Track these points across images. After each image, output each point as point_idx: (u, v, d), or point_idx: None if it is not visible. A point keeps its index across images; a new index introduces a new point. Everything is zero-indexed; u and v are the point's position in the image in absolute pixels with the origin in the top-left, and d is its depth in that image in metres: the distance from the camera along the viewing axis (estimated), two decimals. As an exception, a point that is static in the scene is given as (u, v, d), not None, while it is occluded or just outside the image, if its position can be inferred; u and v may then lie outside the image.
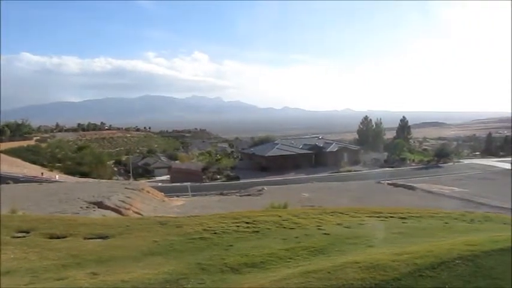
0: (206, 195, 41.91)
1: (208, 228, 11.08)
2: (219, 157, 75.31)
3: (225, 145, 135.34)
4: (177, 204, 33.53)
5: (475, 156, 79.25)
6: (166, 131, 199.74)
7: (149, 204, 29.28)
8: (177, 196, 39.65)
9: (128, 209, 24.63)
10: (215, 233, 10.58)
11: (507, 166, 56.68)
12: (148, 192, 33.19)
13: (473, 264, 5.73)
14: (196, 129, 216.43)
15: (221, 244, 9.50)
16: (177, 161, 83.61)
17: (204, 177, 57.50)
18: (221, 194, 42.16)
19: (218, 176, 59.00)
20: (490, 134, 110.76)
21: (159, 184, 53.29)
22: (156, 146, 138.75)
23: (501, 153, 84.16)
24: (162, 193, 37.15)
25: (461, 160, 68.57)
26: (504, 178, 47.38)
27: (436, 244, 7.39)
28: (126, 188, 31.39)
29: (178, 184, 49.76)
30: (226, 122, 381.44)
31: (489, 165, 60.48)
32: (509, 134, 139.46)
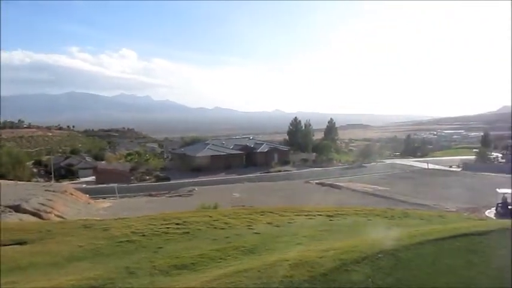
0: (134, 196, 40.78)
1: (136, 231, 10.81)
2: (148, 157, 73.47)
3: (155, 145, 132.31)
4: (103, 206, 32.36)
5: (396, 157, 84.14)
6: (92, 130, 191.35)
7: (73, 207, 28.02)
8: (103, 198, 38.23)
9: (49, 212, 23.42)
10: (144, 235, 10.34)
11: (424, 165, 60.97)
12: (71, 194, 31.78)
13: (394, 257, 6.09)
14: (124, 128, 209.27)
15: (150, 246, 9.30)
16: (103, 162, 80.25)
17: (132, 178, 55.79)
18: (150, 195, 41.21)
19: (147, 177, 57.52)
20: (409, 135, 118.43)
21: (84, 186, 50.85)
22: (80, 145, 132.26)
23: (418, 153, 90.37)
24: (87, 195, 35.69)
25: (383, 160, 72.32)
26: (421, 177, 50.91)
27: (360, 240, 7.76)
28: (46, 190, 29.81)
29: (104, 185, 47.82)
30: (156, 122, 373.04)
31: (408, 165, 64.51)
32: (426, 135, 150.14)
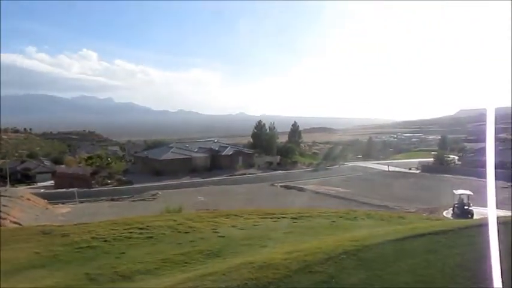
0: (95, 201, 39.75)
1: (97, 236, 10.55)
2: (110, 161, 71.54)
3: (117, 148, 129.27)
4: (63, 212, 31.43)
5: (358, 159, 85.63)
6: (51, 133, 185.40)
7: (30, 212, 27.05)
8: (63, 203, 37.08)
9: (5, 218, 22.49)
10: (105, 241, 10.10)
11: (385, 168, 62.56)
12: (28, 199, 30.70)
13: (356, 257, 6.21)
14: (84, 131, 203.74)
15: (112, 252, 9.10)
16: (62, 165, 77.64)
17: (93, 182, 54.23)
18: (112, 199, 40.28)
19: (109, 181, 56.05)
20: (370, 138, 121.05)
21: (42, 190, 49.08)
22: (38, 148, 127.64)
23: (380, 156, 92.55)
24: (45, 200, 34.60)
25: (346, 163, 73.53)
26: (382, 179, 52.23)
27: (324, 241, 7.87)
28: (1, 195, 28.66)
29: (64, 190, 46.31)
30: (118, 124, 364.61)
31: (370, 167, 65.99)
32: (386, 138, 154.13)
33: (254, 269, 5.78)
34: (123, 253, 8.86)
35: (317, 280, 5.41)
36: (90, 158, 75.13)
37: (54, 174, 63.15)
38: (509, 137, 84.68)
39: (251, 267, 5.87)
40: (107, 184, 54.52)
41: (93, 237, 10.44)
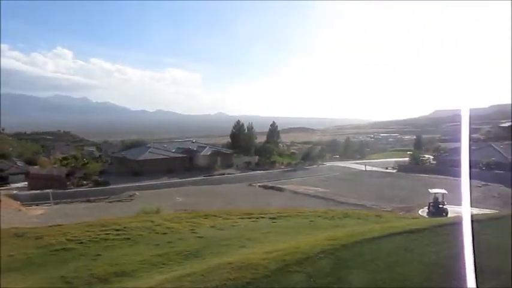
0: (71, 202, 39.05)
1: (73, 238, 10.37)
2: (86, 161, 70.35)
3: (93, 148, 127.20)
4: (37, 214, 30.75)
5: (336, 159, 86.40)
6: (24, 133, 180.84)
7: (2, 214, 26.36)
8: (37, 205, 36.27)
9: (-24, 221, 21.83)
10: (81, 243, 9.94)
11: (362, 168, 63.38)
12: (0, 201, 29.91)
13: (334, 257, 6.26)
14: (59, 131, 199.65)
15: (88, 254, 8.96)
16: (36, 166, 75.99)
17: (68, 183, 53.23)
18: (88, 201, 39.64)
19: (85, 182, 55.10)
20: (348, 138, 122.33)
21: (15, 192, 47.94)
22: (10, 149, 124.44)
23: (358, 156, 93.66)
24: (18, 202, 33.83)
25: (324, 163, 74.20)
26: (360, 178, 52.89)
27: (302, 241, 7.92)
28: (-27, 197, 27.85)
29: (38, 191, 45.30)
30: (94, 124, 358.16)
31: (347, 167, 66.76)
32: (363, 138, 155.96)
33: (233, 269, 5.77)
34: (100, 255, 8.73)
35: (295, 280, 5.44)
36: (65, 158, 73.63)
37: (27, 175, 61.69)
38: (481, 137, 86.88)
39: (230, 267, 5.86)
40: (83, 185, 53.63)
41: (68, 239, 10.25)
